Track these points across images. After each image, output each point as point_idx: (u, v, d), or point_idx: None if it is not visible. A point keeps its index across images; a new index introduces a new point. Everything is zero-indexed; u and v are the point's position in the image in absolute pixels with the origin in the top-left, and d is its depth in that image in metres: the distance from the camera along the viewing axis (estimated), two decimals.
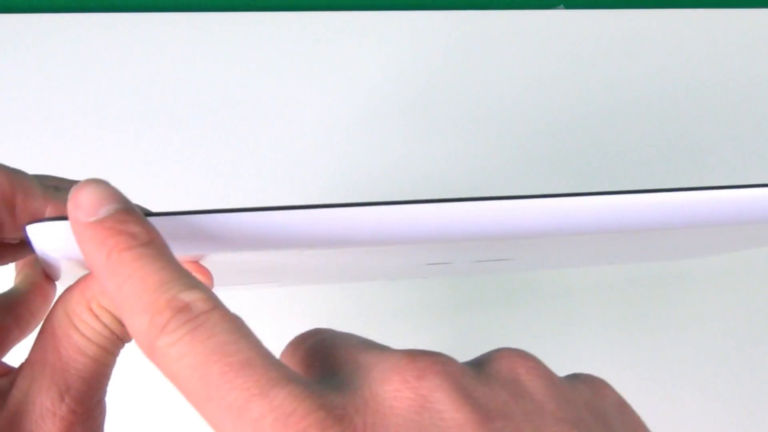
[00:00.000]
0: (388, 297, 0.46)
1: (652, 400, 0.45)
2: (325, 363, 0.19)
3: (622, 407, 0.19)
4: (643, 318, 0.47)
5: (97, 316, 0.20)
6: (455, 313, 0.46)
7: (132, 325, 0.17)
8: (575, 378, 0.19)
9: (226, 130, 0.51)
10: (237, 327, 0.17)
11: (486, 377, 0.17)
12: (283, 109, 0.52)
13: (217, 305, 0.17)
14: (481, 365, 0.18)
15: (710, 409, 0.45)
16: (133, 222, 0.18)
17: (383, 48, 0.56)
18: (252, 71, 0.54)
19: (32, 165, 0.49)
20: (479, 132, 0.53)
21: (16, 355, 0.22)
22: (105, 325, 0.20)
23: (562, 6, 0.62)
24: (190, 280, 0.17)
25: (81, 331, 0.20)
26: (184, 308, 0.16)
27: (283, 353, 0.20)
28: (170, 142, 0.50)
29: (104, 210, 0.18)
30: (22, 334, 0.23)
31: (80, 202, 0.18)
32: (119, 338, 0.20)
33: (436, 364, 0.17)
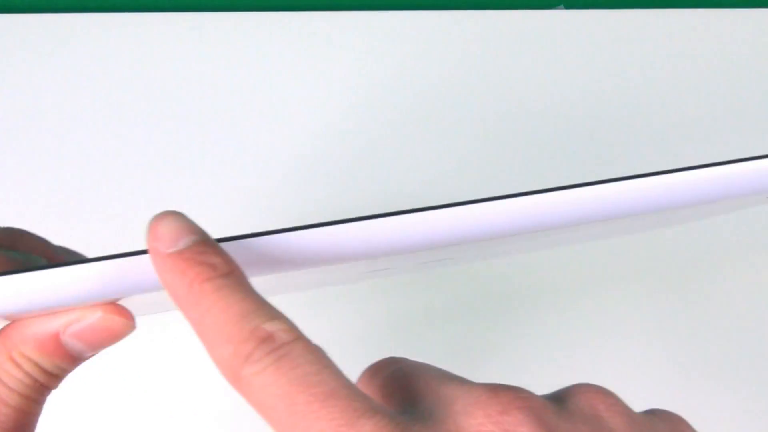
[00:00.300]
0: (375, 303, 0.46)
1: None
2: (405, 393, 0.19)
3: None
4: (636, 318, 0.47)
5: (18, 365, 0.20)
6: (449, 317, 0.46)
7: (215, 354, 0.17)
8: (652, 414, 0.20)
9: (225, 130, 0.51)
10: (319, 358, 0.17)
11: (567, 413, 0.18)
12: (283, 110, 0.52)
13: (299, 336, 0.17)
14: (561, 400, 0.19)
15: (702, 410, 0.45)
16: (213, 253, 0.18)
17: (383, 48, 0.56)
18: (252, 71, 0.54)
19: (32, 165, 0.49)
20: (478, 132, 0.53)
21: None
22: (27, 374, 0.20)
23: (562, 6, 0.62)
24: (272, 311, 0.18)
25: (2, 381, 0.20)
26: (268, 338, 0.17)
27: (359, 381, 0.21)
28: (170, 142, 0.50)
29: (183, 241, 0.18)
30: None
31: (160, 234, 0.18)
32: (43, 386, 0.20)
33: (518, 399, 0.17)
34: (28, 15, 0.55)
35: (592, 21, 0.59)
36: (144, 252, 0.19)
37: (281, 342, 0.17)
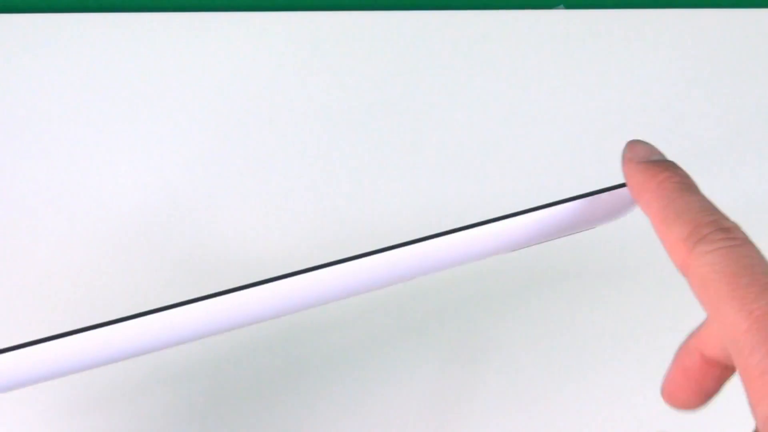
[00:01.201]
0: (375, 306, 0.46)
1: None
2: None
3: None
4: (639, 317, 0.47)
5: None
6: (449, 316, 0.46)
7: (671, 232, 0.21)
8: None
9: (225, 130, 0.51)
10: (765, 259, 0.20)
11: None
12: (283, 109, 0.52)
13: (748, 238, 0.20)
14: None
15: None
16: (680, 169, 0.23)
17: (383, 48, 0.56)
18: (252, 72, 0.54)
19: (31, 165, 0.49)
20: (477, 132, 0.53)
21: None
22: None
23: (562, 6, 0.62)
24: (728, 217, 0.21)
25: None
26: (726, 229, 0.20)
27: None
28: (169, 142, 0.50)
29: (654, 156, 0.24)
30: None
31: (636, 150, 0.25)
32: None
33: None
34: (28, 15, 0.55)
35: (592, 21, 0.59)
36: (613, 188, 0.25)
37: (737, 235, 0.20)
